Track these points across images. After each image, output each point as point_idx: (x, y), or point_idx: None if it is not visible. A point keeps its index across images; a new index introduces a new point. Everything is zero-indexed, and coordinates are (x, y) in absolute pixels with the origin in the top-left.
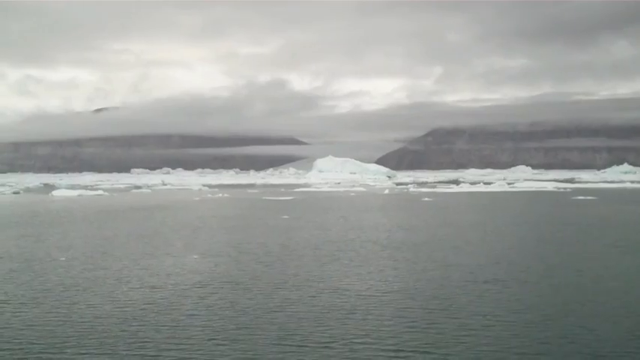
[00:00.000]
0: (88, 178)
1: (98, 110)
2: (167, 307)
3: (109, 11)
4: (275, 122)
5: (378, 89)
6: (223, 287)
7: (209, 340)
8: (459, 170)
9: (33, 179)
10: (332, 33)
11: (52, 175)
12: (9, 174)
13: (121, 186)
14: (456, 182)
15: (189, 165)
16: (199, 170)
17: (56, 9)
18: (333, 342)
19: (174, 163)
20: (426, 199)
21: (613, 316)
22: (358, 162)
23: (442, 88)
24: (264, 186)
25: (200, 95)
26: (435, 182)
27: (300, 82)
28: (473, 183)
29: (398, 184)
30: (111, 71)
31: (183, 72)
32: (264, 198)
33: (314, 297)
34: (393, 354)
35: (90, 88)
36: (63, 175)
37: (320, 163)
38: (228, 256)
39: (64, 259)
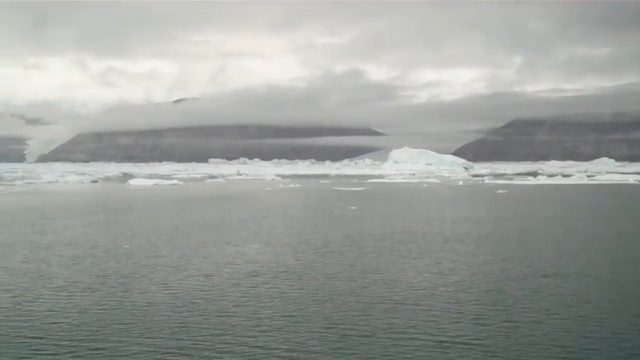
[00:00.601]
0: (166, 167)
1: (177, 101)
2: (217, 296)
3: (188, 3)
4: (352, 113)
5: (457, 79)
6: (277, 277)
7: (253, 327)
8: (540, 162)
9: (113, 168)
10: (410, 22)
11: (133, 164)
12: (92, 163)
13: (197, 176)
14: (534, 174)
15: (266, 155)
16: (275, 160)
17: (138, 1)
18: (377, 332)
19: (251, 154)
20: (500, 191)
21: None
22: (434, 153)
23: (522, 77)
24: (338, 176)
25: (277, 86)
26: (512, 174)
27: (377, 72)
28: (551, 175)
29: (474, 175)
30: (190, 62)
31: (261, 63)
32: (334, 188)
33: (365, 287)
34: (435, 344)
35: (170, 79)
36: (143, 165)
37: (395, 154)
38: (288, 246)
39: (127, 246)
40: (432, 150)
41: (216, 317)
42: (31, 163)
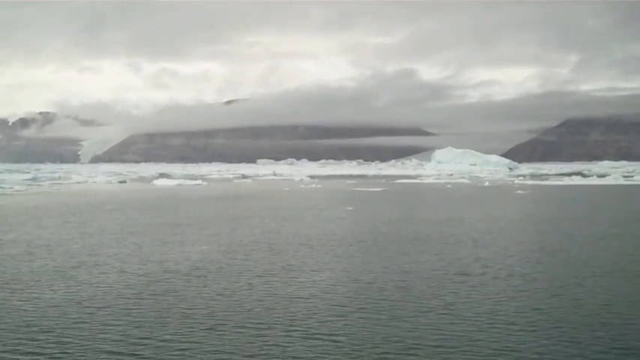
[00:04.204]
0: (209, 168)
1: (229, 102)
2: (128, 294)
3: (241, 4)
4: (402, 113)
5: (510, 78)
6: (189, 274)
7: (135, 326)
8: (592, 162)
9: (157, 169)
10: (462, 21)
11: (183, 165)
12: (142, 164)
13: (230, 176)
14: (573, 175)
15: (314, 156)
16: (322, 161)
17: (191, 4)
18: (291, 330)
19: (300, 154)
20: (520, 191)
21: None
22: (478, 153)
23: (577, 76)
24: (375, 177)
25: (327, 86)
26: (552, 175)
27: (428, 71)
28: (586, 176)
29: (516, 176)
30: (241, 63)
31: (311, 63)
32: (353, 189)
33: (288, 284)
34: (282, 335)
35: (221, 80)
36: (191, 165)
37: (439, 154)
38: (236, 246)
39: (77, 246)
40: (482, 150)
41: (111, 316)
42: (84, 164)
